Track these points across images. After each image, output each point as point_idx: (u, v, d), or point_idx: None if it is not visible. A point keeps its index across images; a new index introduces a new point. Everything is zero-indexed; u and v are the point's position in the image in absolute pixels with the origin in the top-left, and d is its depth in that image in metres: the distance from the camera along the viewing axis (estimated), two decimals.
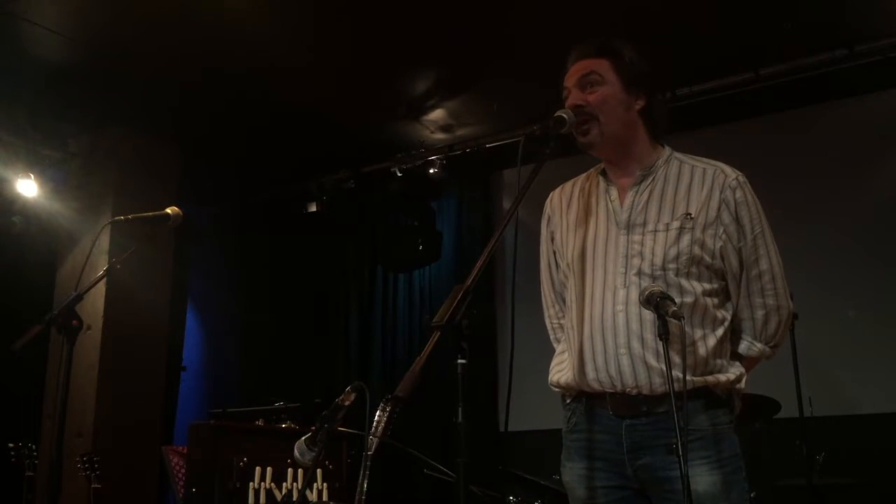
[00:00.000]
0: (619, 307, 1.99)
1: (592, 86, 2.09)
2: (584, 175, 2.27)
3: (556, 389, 2.17)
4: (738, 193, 2.04)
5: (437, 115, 5.79)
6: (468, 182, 6.48)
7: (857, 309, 4.99)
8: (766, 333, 2.08)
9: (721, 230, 2.02)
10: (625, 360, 1.96)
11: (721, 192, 2.03)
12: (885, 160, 5.06)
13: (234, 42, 4.79)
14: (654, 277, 1.99)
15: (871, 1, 4.56)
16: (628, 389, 1.96)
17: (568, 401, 2.14)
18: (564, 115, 2.02)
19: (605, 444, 2.02)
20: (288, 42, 4.88)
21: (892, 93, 5.09)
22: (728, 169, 2.09)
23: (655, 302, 1.86)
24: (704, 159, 2.14)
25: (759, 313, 2.06)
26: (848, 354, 4.90)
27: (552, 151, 2.00)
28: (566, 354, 2.15)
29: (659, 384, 1.93)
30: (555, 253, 2.24)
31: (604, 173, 2.18)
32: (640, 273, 2.00)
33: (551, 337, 2.31)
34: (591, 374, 2.01)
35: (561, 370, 2.14)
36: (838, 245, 5.09)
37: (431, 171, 6.17)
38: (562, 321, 2.24)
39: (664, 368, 1.85)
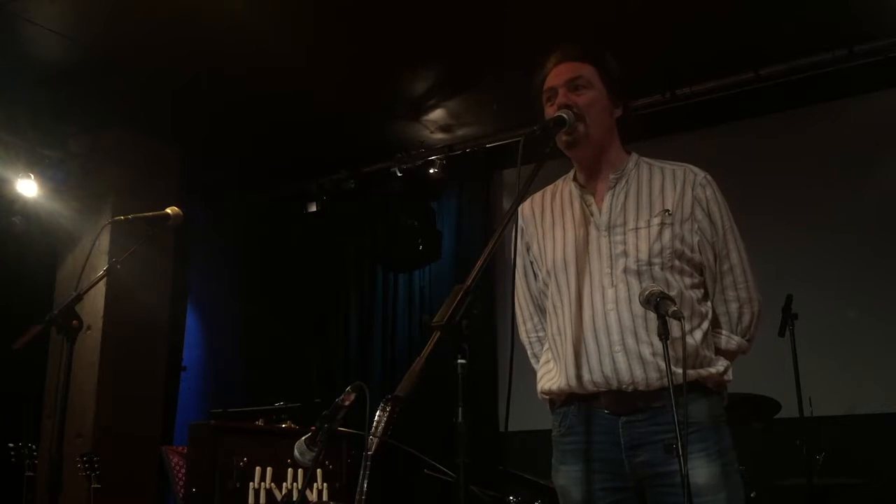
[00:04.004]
0: (610, 306, 2.01)
1: (580, 89, 2.12)
2: (551, 185, 2.29)
3: (546, 397, 2.17)
4: (708, 191, 2.11)
5: (437, 115, 5.79)
6: (468, 182, 6.48)
7: (857, 309, 4.99)
8: (742, 326, 2.13)
9: (696, 226, 2.08)
10: (620, 358, 1.97)
11: (693, 190, 2.10)
12: (885, 160, 5.06)
13: (234, 42, 4.79)
14: (640, 273, 2.01)
15: (871, 1, 4.56)
16: (624, 386, 1.97)
17: (558, 405, 2.14)
18: (565, 116, 2.04)
19: (601, 444, 2.03)
20: (288, 42, 4.88)
21: (892, 93, 5.09)
22: (696, 168, 2.16)
23: (655, 302, 1.86)
24: (671, 161, 2.20)
25: (734, 306, 2.12)
26: (848, 354, 4.90)
27: (552, 151, 2.01)
28: (552, 363, 2.15)
29: (655, 379, 1.94)
30: (532, 263, 2.24)
31: (575, 180, 2.20)
32: (626, 270, 2.02)
33: (529, 352, 2.29)
34: (586, 376, 2.01)
35: (551, 378, 2.13)
36: (838, 245, 5.09)
37: (431, 171, 6.17)
38: (540, 333, 2.26)
39: (659, 363, 1.90)
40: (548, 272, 2.15)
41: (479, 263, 1.71)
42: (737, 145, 5.39)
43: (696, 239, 2.07)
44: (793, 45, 4.85)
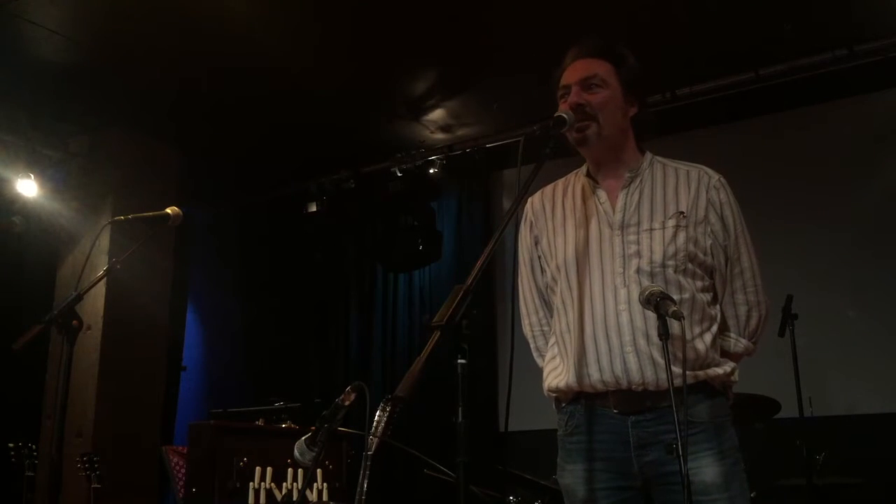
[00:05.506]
0: (622, 306, 2.00)
1: (594, 88, 2.11)
2: (563, 179, 2.28)
3: (553, 395, 2.16)
4: (722, 194, 2.11)
5: (437, 115, 5.79)
6: (468, 182, 6.49)
7: (857, 309, 4.99)
8: (749, 329, 2.14)
9: (709, 229, 2.08)
10: (631, 358, 1.97)
11: (707, 193, 2.10)
12: (885, 160, 5.06)
13: (234, 42, 4.79)
14: (653, 275, 2.00)
15: (870, 1, 4.56)
16: (634, 386, 1.97)
17: (564, 404, 2.14)
18: (565, 116, 2.03)
19: (607, 444, 2.03)
20: (288, 42, 4.88)
21: (892, 93, 5.09)
22: (710, 170, 2.15)
23: (655, 302, 1.86)
24: (685, 162, 2.19)
25: (742, 310, 2.12)
26: (848, 354, 4.90)
27: (552, 151, 2.01)
28: (558, 359, 2.14)
29: (665, 379, 1.93)
30: (540, 258, 2.23)
31: (589, 175, 2.18)
32: (639, 271, 2.02)
33: (531, 346, 2.29)
34: (595, 375, 2.01)
35: (557, 375, 2.12)
36: (838, 245, 5.09)
37: (431, 171, 6.17)
38: (545, 328, 2.25)
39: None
40: (557, 268, 2.14)
41: (479, 263, 1.71)
42: (737, 146, 5.38)
43: (708, 242, 2.07)
44: (793, 45, 4.84)
